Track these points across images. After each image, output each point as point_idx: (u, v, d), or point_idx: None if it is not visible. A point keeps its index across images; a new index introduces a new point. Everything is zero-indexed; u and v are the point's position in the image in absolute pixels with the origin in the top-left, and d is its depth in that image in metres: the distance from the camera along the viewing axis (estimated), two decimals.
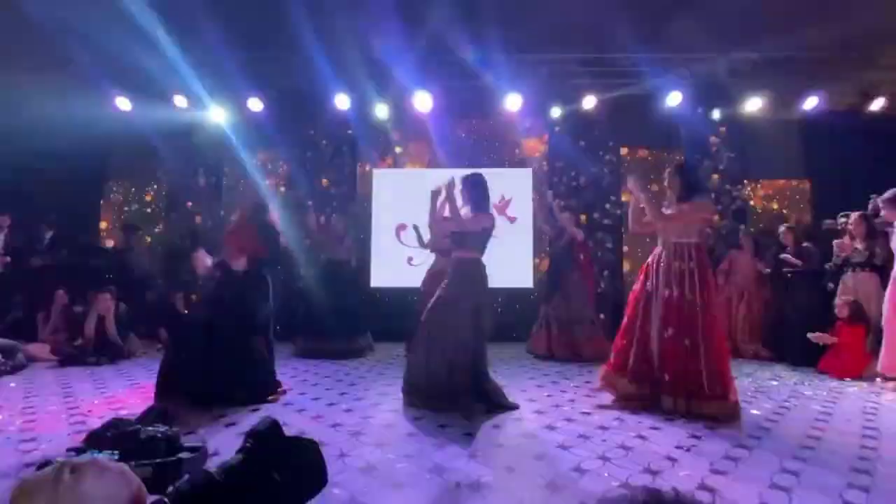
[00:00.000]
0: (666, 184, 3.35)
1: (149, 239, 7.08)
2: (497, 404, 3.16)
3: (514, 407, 3.17)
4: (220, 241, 3.63)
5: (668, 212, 3.23)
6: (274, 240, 3.66)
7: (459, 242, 3.35)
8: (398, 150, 7.05)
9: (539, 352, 5.23)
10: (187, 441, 2.23)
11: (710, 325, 3.02)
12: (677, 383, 2.99)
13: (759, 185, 7.10)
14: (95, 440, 2.14)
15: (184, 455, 2.01)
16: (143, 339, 5.58)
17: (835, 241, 4.81)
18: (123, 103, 6.38)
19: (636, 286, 3.31)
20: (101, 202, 7.13)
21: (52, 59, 5.87)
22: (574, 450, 2.44)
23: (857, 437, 2.67)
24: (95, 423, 2.68)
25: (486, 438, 2.62)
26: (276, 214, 3.76)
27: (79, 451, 2.00)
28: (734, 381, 3.11)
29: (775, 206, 7.13)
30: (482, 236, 3.32)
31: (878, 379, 3.93)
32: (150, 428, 2.12)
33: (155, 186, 7.26)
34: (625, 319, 3.31)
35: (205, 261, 3.52)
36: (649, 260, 3.29)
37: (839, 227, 4.85)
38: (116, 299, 5.14)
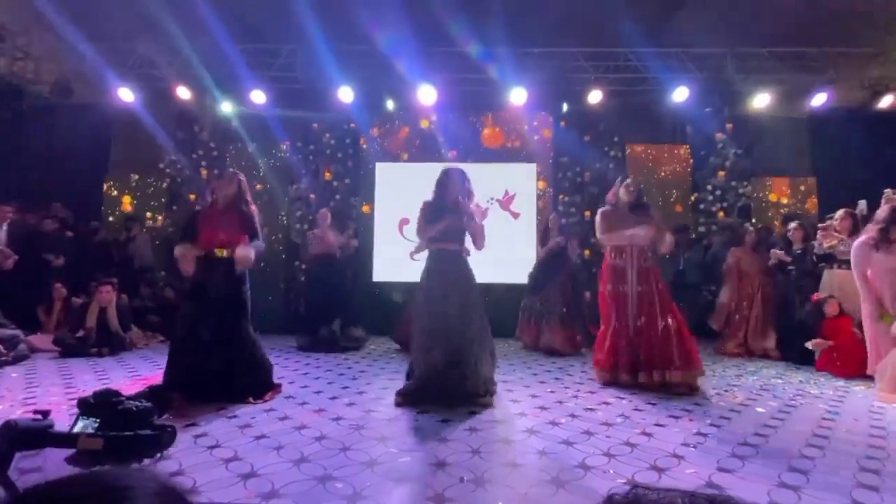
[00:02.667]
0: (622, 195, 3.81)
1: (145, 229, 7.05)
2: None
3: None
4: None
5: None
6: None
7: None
8: (405, 156, 7.00)
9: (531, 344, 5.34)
10: (163, 421, 2.31)
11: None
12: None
13: (768, 183, 7.00)
14: (83, 405, 2.25)
15: (144, 432, 2.06)
16: (146, 331, 5.58)
17: (819, 233, 4.75)
18: (126, 94, 6.34)
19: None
20: (104, 193, 7.10)
21: (57, 49, 5.85)
22: (578, 446, 2.41)
23: (864, 437, 2.64)
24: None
25: (489, 434, 2.59)
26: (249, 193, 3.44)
27: (44, 413, 2.06)
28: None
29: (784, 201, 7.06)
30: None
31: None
32: (131, 402, 2.20)
33: (157, 178, 7.22)
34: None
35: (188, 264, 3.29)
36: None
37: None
38: (118, 291, 5.14)
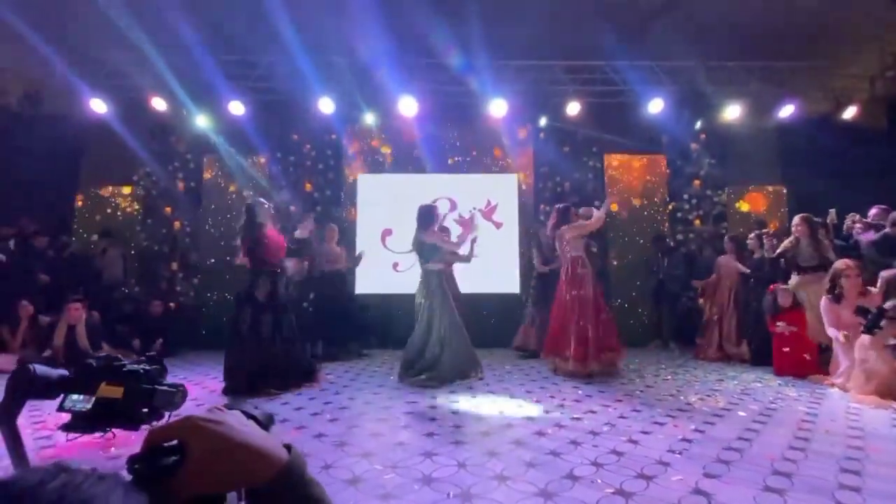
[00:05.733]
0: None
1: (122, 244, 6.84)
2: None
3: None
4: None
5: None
6: (254, 241, 4.00)
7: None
8: (389, 159, 7.00)
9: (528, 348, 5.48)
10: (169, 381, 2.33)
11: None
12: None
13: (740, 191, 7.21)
14: (83, 371, 2.20)
15: (162, 387, 2.04)
16: (118, 350, 5.36)
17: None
18: (99, 105, 6.17)
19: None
20: (75, 206, 6.86)
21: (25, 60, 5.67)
22: (566, 456, 2.39)
23: (843, 437, 2.68)
24: (61, 437, 2.55)
25: (475, 446, 2.55)
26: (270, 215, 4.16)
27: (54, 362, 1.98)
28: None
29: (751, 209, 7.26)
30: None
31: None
32: (135, 365, 2.18)
33: (131, 190, 7.02)
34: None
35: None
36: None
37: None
38: (88, 308, 4.94)
